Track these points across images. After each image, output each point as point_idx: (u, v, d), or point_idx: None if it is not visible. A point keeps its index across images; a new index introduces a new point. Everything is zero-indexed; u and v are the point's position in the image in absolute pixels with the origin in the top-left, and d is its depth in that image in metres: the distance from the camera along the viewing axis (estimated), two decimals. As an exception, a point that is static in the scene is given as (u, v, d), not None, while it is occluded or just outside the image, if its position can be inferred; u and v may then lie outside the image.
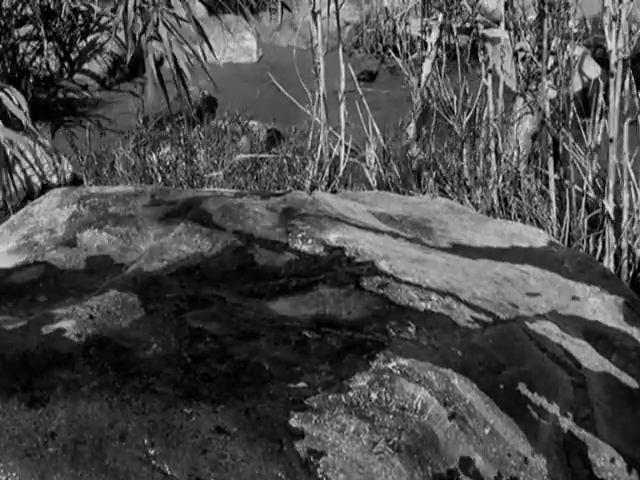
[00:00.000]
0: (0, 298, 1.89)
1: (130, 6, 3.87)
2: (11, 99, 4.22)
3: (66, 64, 5.51)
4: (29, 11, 5.22)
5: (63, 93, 5.45)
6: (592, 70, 5.28)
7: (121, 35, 5.58)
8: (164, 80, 4.96)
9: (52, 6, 5.22)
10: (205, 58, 4.86)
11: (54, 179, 4.23)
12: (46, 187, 4.13)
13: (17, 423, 1.55)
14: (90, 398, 1.60)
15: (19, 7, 5.18)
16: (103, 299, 1.88)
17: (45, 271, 2.00)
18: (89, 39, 5.53)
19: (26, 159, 4.14)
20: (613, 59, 3.02)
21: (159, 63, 5.66)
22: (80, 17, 5.44)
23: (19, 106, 4.17)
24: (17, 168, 4.12)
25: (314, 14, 3.80)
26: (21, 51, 5.28)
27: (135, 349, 1.72)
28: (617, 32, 2.99)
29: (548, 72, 3.43)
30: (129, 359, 1.69)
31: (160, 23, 4.15)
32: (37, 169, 4.20)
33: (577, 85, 4.79)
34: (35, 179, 4.20)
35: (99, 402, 1.59)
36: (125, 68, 5.75)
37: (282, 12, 5.77)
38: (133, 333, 1.77)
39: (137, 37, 4.12)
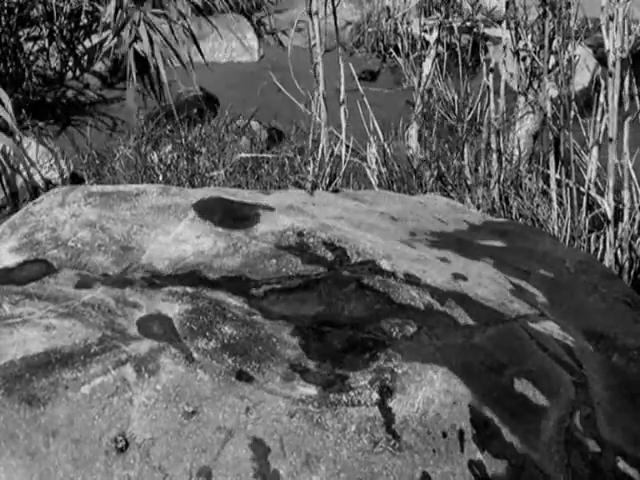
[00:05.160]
0: (1, 297, 1.89)
1: (114, 6, 3.86)
2: None
3: (70, 64, 5.51)
4: (33, 11, 5.22)
5: (63, 92, 5.45)
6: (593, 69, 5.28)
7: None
8: (167, 80, 4.96)
9: (56, 5, 5.22)
10: (203, 57, 4.85)
11: (55, 178, 4.23)
12: (47, 186, 4.14)
13: (17, 423, 1.56)
14: (91, 397, 1.60)
15: (22, 6, 5.18)
16: (104, 298, 1.88)
17: (46, 270, 2.00)
18: (93, 38, 5.53)
19: (27, 158, 4.14)
20: (611, 58, 3.02)
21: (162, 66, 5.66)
22: (84, 17, 5.44)
23: (2, 105, 4.13)
24: (15, 167, 4.11)
25: (310, 15, 3.80)
26: (25, 51, 5.28)
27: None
28: (615, 31, 2.99)
29: (549, 71, 3.43)
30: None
31: (142, 23, 4.13)
32: (38, 168, 4.20)
33: (578, 85, 4.79)
34: (36, 178, 4.20)
35: (100, 401, 1.59)
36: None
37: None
38: (134, 331, 1.77)
39: (124, 37, 4.10)
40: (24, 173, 4.08)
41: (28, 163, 4.13)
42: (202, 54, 4.99)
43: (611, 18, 2.97)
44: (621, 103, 3.08)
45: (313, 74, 3.85)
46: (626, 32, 2.97)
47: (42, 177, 4.16)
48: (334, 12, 3.85)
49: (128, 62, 4.32)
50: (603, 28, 3.01)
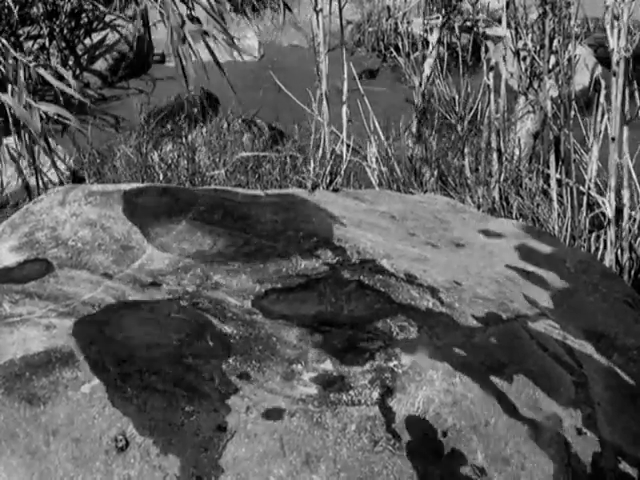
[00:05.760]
0: (1, 296, 1.89)
1: None
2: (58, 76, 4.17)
3: (70, 63, 5.51)
4: (34, 10, 5.22)
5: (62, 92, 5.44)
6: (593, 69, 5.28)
7: (123, 32, 5.60)
8: (165, 78, 4.97)
9: (56, 4, 5.22)
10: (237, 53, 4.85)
11: (55, 177, 4.23)
12: (47, 185, 4.13)
13: (17, 422, 1.56)
14: (91, 396, 1.60)
15: (23, 4, 5.19)
16: (104, 298, 1.88)
17: (46, 269, 2.00)
18: (93, 36, 5.53)
19: (25, 157, 4.14)
20: (615, 58, 3.01)
21: (161, 61, 5.67)
22: (84, 15, 5.44)
23: (68, 84, 4.12)
24: (14, 167, 4.11)
25: (316, 12, 3.80)
26: (25, 49, 5.27)
27: (136, 347, 1.72)
28: (619, 31, 2.99)
29: (550, 71, 3.43)
30: (131, 358, 1.69)
31: (187, 42, 4.14)
32: (38, 167, 4.20)
33: (578, 84, 4.80)
34: (36, 177, 4.20)
35: (100, 400, 1.59)
36: (128, 66, 5.75)
37: (284, 12, 5.77)
38: (134, 331, 1.77)
39: (173, 27, 4.08)
40: (23, 173, 4.08)
41: (30, 161, 4.13)
42: (238, 50, 4.98)
43: (616, 17, 2.96)
44: (623, 103, 3.08)
45: (315, 73, 3.85)
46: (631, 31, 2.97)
47: (43, 176, 4.16)
48: (340, 11, 3.85)
49: (185, 46, 4.32)
50: (607, 27, 3.01)
